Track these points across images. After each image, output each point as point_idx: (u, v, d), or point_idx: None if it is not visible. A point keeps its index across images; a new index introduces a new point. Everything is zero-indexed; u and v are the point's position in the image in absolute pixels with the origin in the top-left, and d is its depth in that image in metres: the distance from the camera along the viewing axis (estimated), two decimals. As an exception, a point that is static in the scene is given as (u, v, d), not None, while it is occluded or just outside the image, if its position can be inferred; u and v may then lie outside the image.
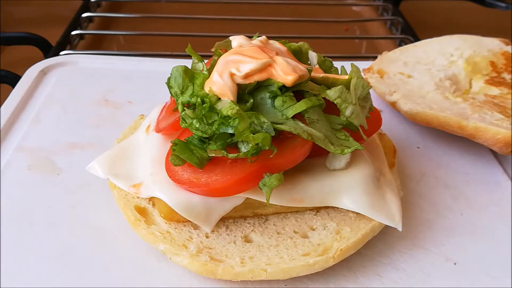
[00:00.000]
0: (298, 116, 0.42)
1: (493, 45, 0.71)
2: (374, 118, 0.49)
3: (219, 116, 0.40)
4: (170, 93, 0.45)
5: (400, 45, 0.94)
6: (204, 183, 0.42)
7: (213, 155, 0.41)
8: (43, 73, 0.74)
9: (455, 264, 0.47)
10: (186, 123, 0.42)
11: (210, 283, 0.44)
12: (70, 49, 0.89)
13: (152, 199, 0.47)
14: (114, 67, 0.77)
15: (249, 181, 0.42)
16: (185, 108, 0.43)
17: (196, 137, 0.42)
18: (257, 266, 0.42)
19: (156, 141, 0.49)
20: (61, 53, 0.85)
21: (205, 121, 0.41)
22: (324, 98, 0.43)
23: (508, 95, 0.61)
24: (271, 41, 0.49)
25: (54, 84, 0.72)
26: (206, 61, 0.47)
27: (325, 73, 0.47)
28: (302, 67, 0.44)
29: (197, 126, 0.41)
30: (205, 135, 0.41)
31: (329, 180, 0.45)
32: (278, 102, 0.42)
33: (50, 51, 0.87)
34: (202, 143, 0.42)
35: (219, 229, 0.45)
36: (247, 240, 0.45)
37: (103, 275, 0.44)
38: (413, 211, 0.52)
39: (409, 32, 0.97)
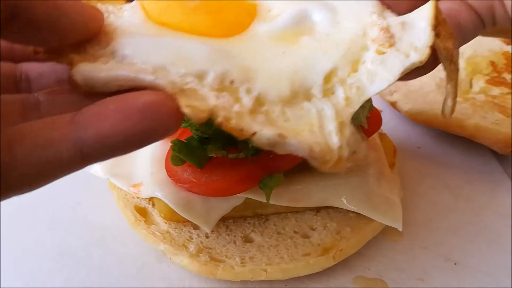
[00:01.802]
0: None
1: (494, 45, 0.71)
2: (374, 118, 0.48)
3: (219, 116, 0.40)
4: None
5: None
6: (204, 183, 0.42)
7: (213, 155, 0.41)
8: (43, 73, 0.74)
9: (455, 264, 0.47)
10: (186, 123, 0.42)
11: (210, 283, 0.44)
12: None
13: (152, 199, 0.47)
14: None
15: (249, 181, 0.42)
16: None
17: (196, 137, 0.42)
18: (257, 266, 0.42)
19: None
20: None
21: (205, 121, 0.41)
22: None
23: (509, 95, 0.61)
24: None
25: (54, 84, 0.72)
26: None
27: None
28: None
29: (197, 126, 0.41)
30: (205, 135, 0.41)
31: (329, 180, 0.45)
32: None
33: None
34: (202, 143, 0.42)
35: (219, 229, 0.45)
36: (247, 240, 0.45)
37: (103, 275, 0.44)
38: (413, 211, 0.52)
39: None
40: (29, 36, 0.23)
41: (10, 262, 0.45)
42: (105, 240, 0.48)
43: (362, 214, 0.45)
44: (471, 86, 0.65)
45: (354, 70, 0.31)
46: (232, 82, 0.29)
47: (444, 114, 0.34)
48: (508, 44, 0.71)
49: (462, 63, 0.68)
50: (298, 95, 0.30)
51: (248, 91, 0.29)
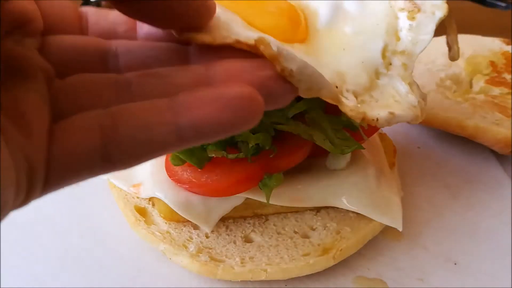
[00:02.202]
0: (299, 116, 0.42)
1: (494, 45, 0.71)
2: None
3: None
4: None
5: (400, 45, 0.93)
6: (204, 183, 0.42)
7: (213, 155, 0.41)
8: (43, 72, 0.74)
9: (455, 264, 0.47)
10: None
11: (210, 283, 0.44)
12: (70, 48, 0.89)
13: (152, 199, 0.47)
14: (114, 67, 0.77)
15: (249, 181, 0.42)
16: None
17: (196, 137, 0.42)
18: (257, 266, 0.42)
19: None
20: (61, 52, 0.84)
21: None
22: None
23: (509, 95, 0.61)
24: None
25: (54, 84, 0.72)
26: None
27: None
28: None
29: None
30: None
31: (329, 180, 0.45)
32: (278, 102, 0.42)
33: (50, 50, 0.87)
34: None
35: (219, 229, 0.45)
36: (247, 240, 0.45)
37: (103, 275, 0.44)
38: (413, 211, 0.52)
39: (410, 32, 0.97)
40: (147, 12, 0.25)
41: (10, 262, 0.45)
42: (105, 240, 0.48)
43: (362, 214, 0.45)
44: (471, 86, 0.65)
45: (398, 39, 0.37)
46: (337, 87, 0.34)
47: (453, 58, 0.42)
48: (508, 44, 0.71)
49: (462, 63, 0.68)
50: (373, 78, 0.36)
51: (348, 91, 0.35)
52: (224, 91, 0.23)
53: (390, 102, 0.35)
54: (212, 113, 0.23)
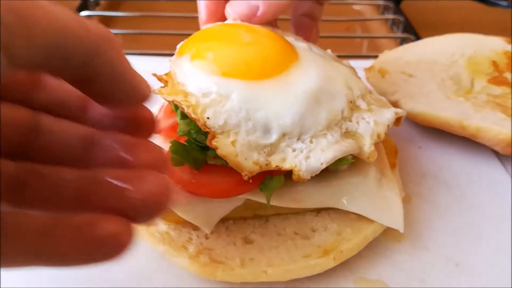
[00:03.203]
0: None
1: (495, 44, 0.70)
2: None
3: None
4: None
5: (401, 44, 0.93)
6: (204, 185, 0.42)
7: (213, 163, 0.41)
8: (43, 72, 0.74)
9: (456, 265, 0.46)
10: (184, 132, 0.42)
11: (210, 284, 0.44)
12: (70, 48, 0.89)
13: (151, 200, 0.47)
14: (114, 66, 0.77)
15: (249, 183, 0.41)
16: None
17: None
18: (257, 267, 0.42)
19: (156, 142, 0.48)
20: (61, 52, 0.84)
21: (202, 132, 0.41)
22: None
23: (510, 95, 0.61)
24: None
25: (54, 83, 0.72)
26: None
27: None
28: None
29: (194, 136, 0.41)
30: (202, 144, 0.41)
31: (330, 181, 0.45)
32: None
33: (50, 50, 0.87)
34: (202, 148, 0.41)
35: (219, 230, 0.45)
36: (247, 241, 0.44)
37: (103, 275, 0.44)
38: (414, 211, 0.52)
39: (411, 31, 0.96)
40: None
41: (9, 263, 0.45)
42: (104, 241, 0.47)
43: (363, 215, 0.45)
44: (472, 85, 0.65)
45: None
46: (351, 101, 0.43)
47: None
48: (509, 43, 0.71)
49: (463, 63, 0.67)
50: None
51: (358, 97, 0.44)
52: (93, 229, 0.25)
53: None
54: (75, 251, 0.25)
